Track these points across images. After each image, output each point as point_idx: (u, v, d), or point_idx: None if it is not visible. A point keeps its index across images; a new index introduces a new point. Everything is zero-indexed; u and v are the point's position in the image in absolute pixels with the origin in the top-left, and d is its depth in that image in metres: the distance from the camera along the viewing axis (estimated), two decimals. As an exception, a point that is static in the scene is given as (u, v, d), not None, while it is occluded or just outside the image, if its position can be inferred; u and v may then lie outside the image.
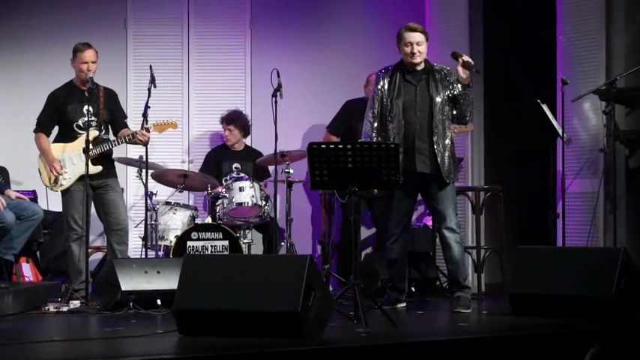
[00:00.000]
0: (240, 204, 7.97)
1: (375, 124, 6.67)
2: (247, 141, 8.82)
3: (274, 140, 7.57)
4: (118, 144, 7.40)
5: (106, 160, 7.37)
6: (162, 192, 8.25)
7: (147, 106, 7.23)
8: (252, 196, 7.98)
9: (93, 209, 7.40)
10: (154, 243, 7.84)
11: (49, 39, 8.79)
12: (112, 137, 7.44)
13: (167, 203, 8.09)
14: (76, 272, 7.22)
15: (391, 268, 6.86)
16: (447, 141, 6.63)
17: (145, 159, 7.34)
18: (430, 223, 8.11)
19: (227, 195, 8.01)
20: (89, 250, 7.25)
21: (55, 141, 7.41)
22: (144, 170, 7.37)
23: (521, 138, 9.04)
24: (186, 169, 8.47)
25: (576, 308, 5.98)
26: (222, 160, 8.64)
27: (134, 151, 8.28)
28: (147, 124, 7.25)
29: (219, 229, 7.85)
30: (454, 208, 6.73)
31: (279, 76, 7.59)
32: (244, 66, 9.07)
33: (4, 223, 6.91)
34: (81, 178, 7.21)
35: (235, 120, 8.65)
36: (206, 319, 5.21)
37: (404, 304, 6.86)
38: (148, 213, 7.64)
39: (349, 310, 5.88)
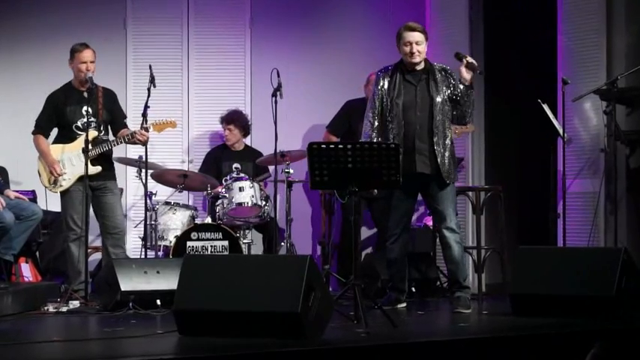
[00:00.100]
0: (240, 204, 7.96)
1: (375, 124, 6.65)
2: (247, 141, 8.81)
3: (274, 140, 7.57)
4: (118, 144, 7.39)
5: (105, 161, 7.36)
6: (162, 192, 8.25)
7: (146, 106, 7.23)
8: (252, 196, 7.96)
9: (92, 210, 7.39)
10: (153, 243, 7.84)
11: (49, 39, 8.78)
12: (111, 138, 7.43)
13: (167, 203, 8.08)
14: (75, 272, 7.21)
15: (391, 268, 6.85)
16: (447, 141, 6.62)
17: (144, 159, 7.34)
18: (430, 223, 8.10)
19: (227, 195, 8.00)
20: (88, 251, 7.24)
21: (55, 142, 7.40)
22: (143, 170, 7.37)
23: (522, 138, 9.04)
24: (186, 169, 8.46)
25: (577, 308, 5.98)
26: (222, 160, 8.63)
27: (134, 151, 8.26)
28: (146, 123, 7.24)
29: (219, 229, 7.84)
30: (454, 208, 6.73)
31: (279, 76, 7.59)
32: (244, 66, 9.05)
33: (4, 223, 6.90)
34: (80, 179, 7.20)
35: (235, 120, 8.64)
36: (206, 319, 5.20)
37: (404, 305, 6.85)
38: (148, 213, 7.63)
39: (349, 310, 5.87)
